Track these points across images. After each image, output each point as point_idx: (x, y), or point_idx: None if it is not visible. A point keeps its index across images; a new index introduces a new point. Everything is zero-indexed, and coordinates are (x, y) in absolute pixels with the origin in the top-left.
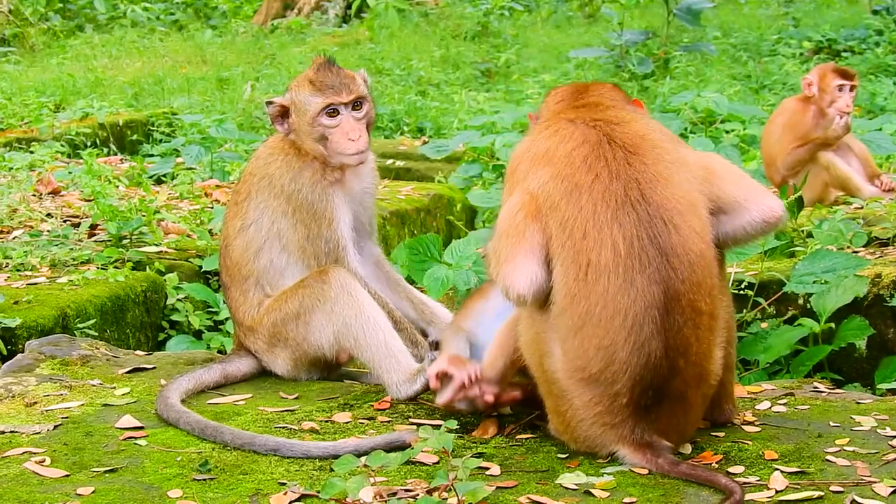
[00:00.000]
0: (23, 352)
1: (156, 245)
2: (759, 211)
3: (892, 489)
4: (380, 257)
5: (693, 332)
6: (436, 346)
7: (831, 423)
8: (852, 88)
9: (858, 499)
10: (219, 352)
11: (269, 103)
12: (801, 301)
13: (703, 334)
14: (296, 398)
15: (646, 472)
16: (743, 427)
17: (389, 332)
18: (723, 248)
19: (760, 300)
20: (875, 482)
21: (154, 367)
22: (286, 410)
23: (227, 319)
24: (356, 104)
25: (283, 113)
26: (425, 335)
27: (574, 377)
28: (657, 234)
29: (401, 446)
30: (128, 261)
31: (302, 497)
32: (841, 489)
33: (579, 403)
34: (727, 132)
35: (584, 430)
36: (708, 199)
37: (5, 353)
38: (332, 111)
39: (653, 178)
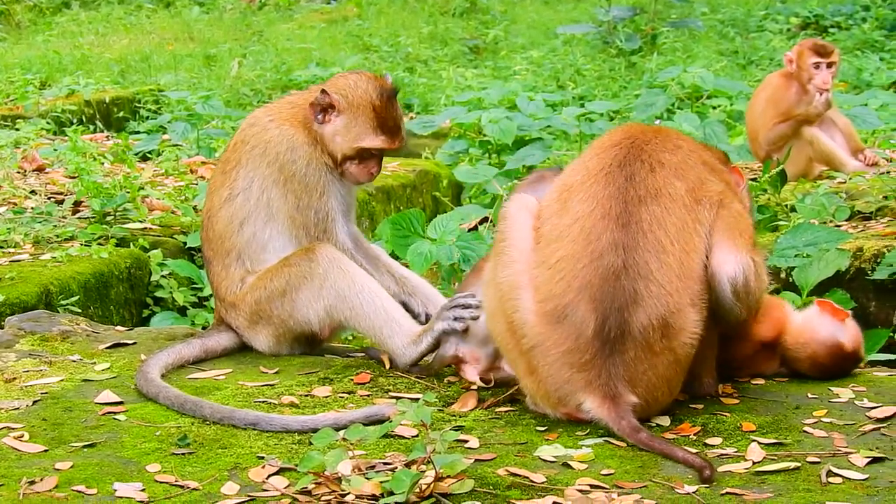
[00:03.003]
0: (2, 328)
1: (140, 222)
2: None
3: (869, 460)
4: (359, 236)
5: (654, 258)
6: (425, 318)
7: (809, 395)
8: (830, 65)
9: (835, 469)
10: (203, 328)
11: (324, 92)
12: (783, 275)
13: (666, 270)
14: (276, 373)
15: (623, 444)
16: (721, 399)
17: (386, 298)
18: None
19: None
20: (852, 453)
21: (134, 343)
22: (266, 385)
23: (211, 296)
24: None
25: (333, 108)
26: (408, 309)
27: (544, 317)
28: (629, 165)
29: (380, 420)
30: (112, 237)
31: (280, 470)
32: (818, 460)
33: (550, 344)
34: (714, 108)
35: (555, 376)
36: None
37: None
38: (376, 152)
39: (658, 143)
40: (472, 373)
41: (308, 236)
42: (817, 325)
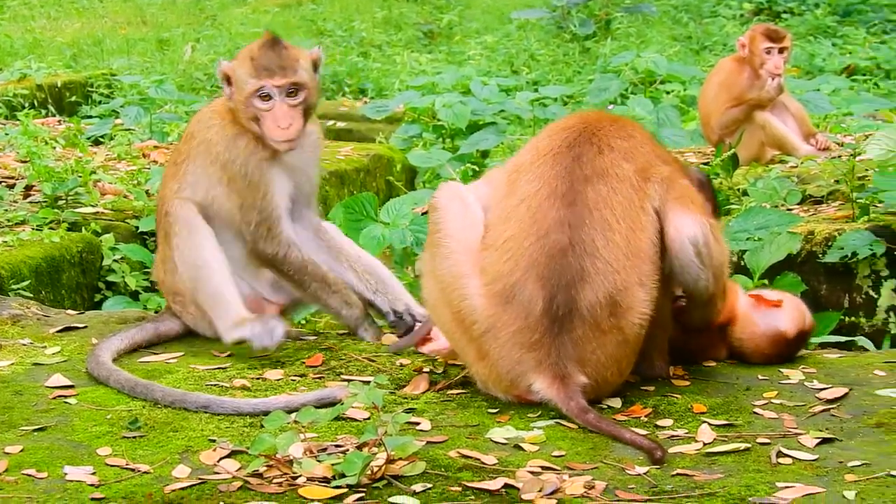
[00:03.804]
0: None
1: (92, 206)
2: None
3: (818, 440)
4: (320, 226)
5: (600, 236)
6: (399, 316)
7: (759, 377)
8: (782, 50)
9: (785, 450)
10: (155, 312)
11: (221, 64)
12: (735, 258)
13: (612, 248)
14: (228, 356)
15: (574, 426)
16: (672, 381)
17: (224, 278)
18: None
19: None
20: (801, 434)
21: (85, 327)
22: (217, 368)
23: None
24: (291, 90)
25: (229, 78)
26: (372, 305)
27: (493, 298)
28: (578, 146)
29: (331, 402)
30: (63, 222)
31: (232, 453)
32: (768, 441)
33: (500, 326)
34: (667, 93)
35: (506, 358)
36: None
37: None
38: (264, 94)
39: (611, 129)
40: (431, 347)
41: (250, 235)
42: (755, 319)
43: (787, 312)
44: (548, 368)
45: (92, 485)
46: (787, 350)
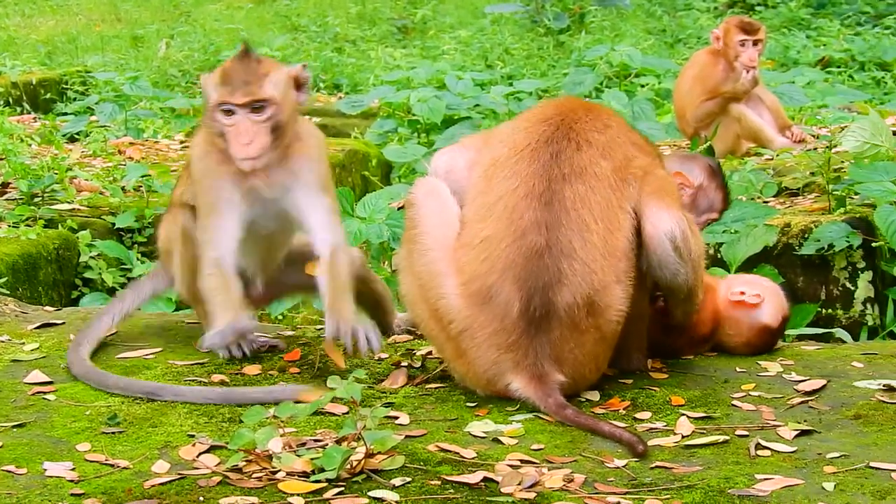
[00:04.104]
0: None
1: (68, 203)
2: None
3: (797, 432)
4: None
5: (577, 237)
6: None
7: (738, 369)
8: (756, 43)
9: (763, 442)
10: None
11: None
12: (711, 251)
13: (590, 248)
14: (207, 351)
15: (553, 419)
16: (651, 374)
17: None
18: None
19: None
20: (780, 426)
21: (63, 323)
22: (196, 363)
23: (140, 276)
24: (256, 106)
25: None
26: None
27: (470, 298)
28: (556, 142)
29: (276, 400)
30: (40, 219)
31: (211, 448)
32: (746, 433)
33: (477, 326)
34: (642, 86)
35: (483, 358)
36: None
37: None
38: (227, 109)
39: (588, 121)
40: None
41: (201, 254)
42: (739, 318)
43: (768, 305)
44: (525, 369)
45: (72, 480)
46: (773, 339)
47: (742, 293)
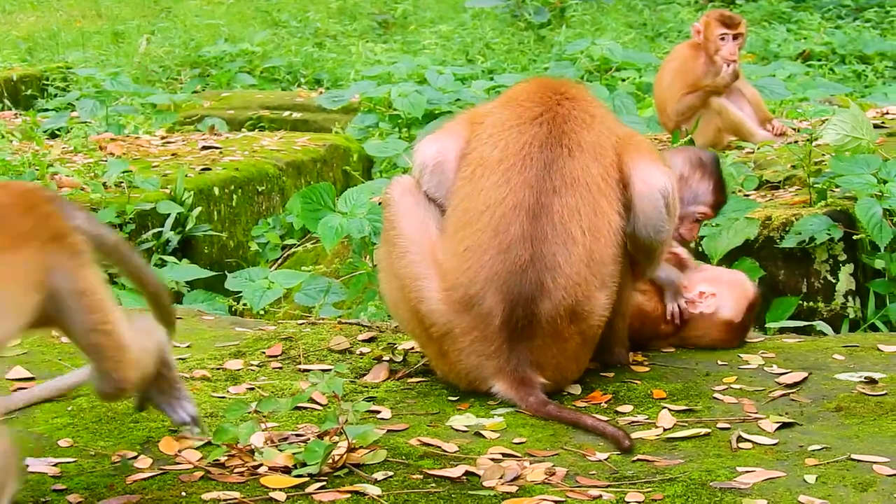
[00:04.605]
0: None
1: None
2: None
3: (778, 425)
4: None
5: (562, 251)
6: None
7: (719, 362)
8: (736, 37)
9: (745, 435)
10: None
11: None
12: (693, 244)
13: (574, 261)
14: (188, 346)
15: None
16: (632, 367)
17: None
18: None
19: None
20: (761, 418)
21: None
22: (178, 359)
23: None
24: None
25: None
26: None
27: (452, 304)
28: (550, 148)
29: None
30: None
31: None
32: (728, 426)
33: (459, 332)
34: (623, 80)
35: (465, 362)
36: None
37: None
38: None
39: (575, 117)
40: None
41: None
42: (702, 318)
43: (728, 300)
44: (507, 374)
45: (54, 476)
46: (741, 331)
47: (701, 294)
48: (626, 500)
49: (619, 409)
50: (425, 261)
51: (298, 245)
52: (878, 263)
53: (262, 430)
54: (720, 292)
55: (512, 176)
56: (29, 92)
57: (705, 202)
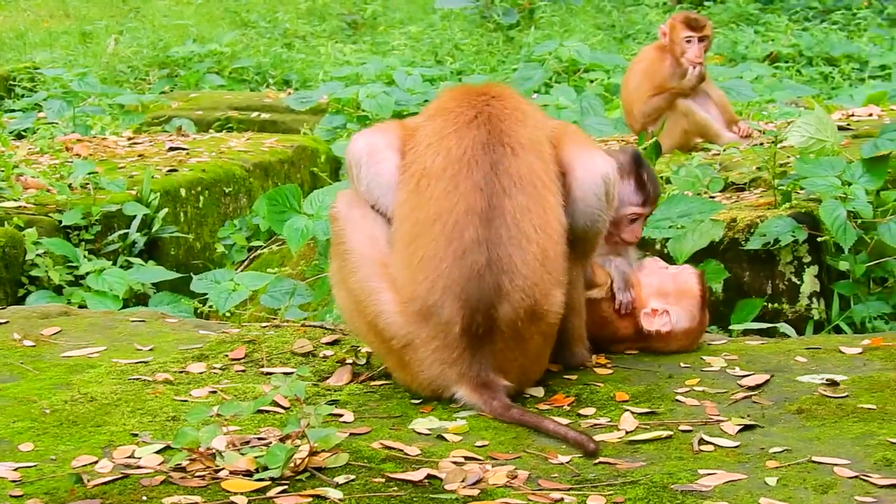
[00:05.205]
0: None
1: (14, 200)
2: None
3: (740, 427)
4: None
5: (517, 252)
6: None
7: (682, 365)
8: (702, 39)
9: (707, 437)
10: (80, 307)
11: None
12: (658, 246)
13: (530, 261)
14: (150, 350)
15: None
16: (595, 369)
17: None
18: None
19: None
20: (723, 421)
21: (7, 322)
22: (140, 362)
23: (87, 274)
24: None
25: None
26: None
27: (410, 316)
28: (493, 149)
29: None
30: None
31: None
32: (690, 428)
33: (419, 343)
34: (591, 81)
35: (426, 371)
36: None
37: None
38: None
39: (509, 115)
40: None
41: None
42: (659, 335)
43: (680, 311)
44: (470, 380)
45: (14, 481)
46: (703, 325)
47: (654, 312)
48: (588, 503)
49: (582, 411)
50: (378, 274)
51: (265, 247)
52: (843, 265)
53: (224, 434)
54: (672, 307)
55: (460, 181)
56: None
57: (632, 202)
